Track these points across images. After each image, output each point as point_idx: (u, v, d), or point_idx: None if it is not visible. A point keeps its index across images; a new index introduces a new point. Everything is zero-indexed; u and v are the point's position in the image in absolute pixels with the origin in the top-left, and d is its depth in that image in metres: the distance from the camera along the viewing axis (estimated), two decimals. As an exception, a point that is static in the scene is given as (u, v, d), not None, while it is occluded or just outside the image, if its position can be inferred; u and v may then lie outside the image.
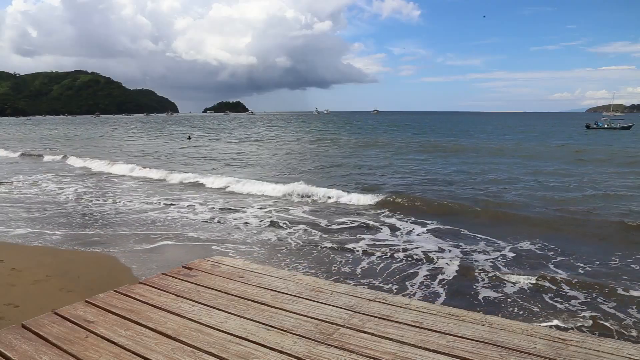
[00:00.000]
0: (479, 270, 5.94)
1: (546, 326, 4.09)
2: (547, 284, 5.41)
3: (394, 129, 56.21)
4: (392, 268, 6.09)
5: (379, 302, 2.55)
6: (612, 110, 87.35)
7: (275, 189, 11.91)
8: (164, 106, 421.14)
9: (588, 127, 55.07)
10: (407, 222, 8.72)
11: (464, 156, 21.94)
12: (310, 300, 2.58)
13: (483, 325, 2.23)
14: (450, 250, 6.88)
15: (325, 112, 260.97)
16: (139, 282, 2.89)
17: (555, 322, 4.49)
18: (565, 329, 4.21)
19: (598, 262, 6.30)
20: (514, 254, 6.67)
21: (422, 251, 6.79)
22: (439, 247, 7.02)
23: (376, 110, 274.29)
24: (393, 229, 8.24)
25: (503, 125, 69.12)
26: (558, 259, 6.46)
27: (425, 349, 1.99)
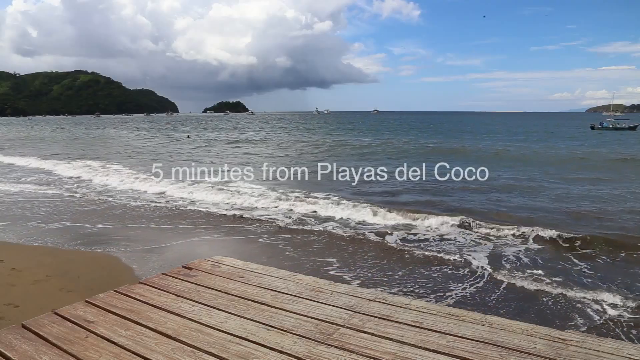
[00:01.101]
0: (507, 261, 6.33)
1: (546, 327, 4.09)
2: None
3: (396, 129, 55.46)
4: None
5: (379, 302, 2.55)
6: (612, 110, 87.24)
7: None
8: (164, 106, 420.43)
9: (593, 127, 54.38)
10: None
11: (478, 160, 19.97)
12: (311, 300, 2.58)
13: (483, 325, 2.23)
14: (481, 245, 7.29)
15: (326, 112, 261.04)
16: (139, 282, 2.89)
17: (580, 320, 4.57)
18: (566, 329, 4.20)
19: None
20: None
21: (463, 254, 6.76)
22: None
23: (376, 110, 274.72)
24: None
25: (505, 126, 67.99)
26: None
27: (425, 349, 1.99)
